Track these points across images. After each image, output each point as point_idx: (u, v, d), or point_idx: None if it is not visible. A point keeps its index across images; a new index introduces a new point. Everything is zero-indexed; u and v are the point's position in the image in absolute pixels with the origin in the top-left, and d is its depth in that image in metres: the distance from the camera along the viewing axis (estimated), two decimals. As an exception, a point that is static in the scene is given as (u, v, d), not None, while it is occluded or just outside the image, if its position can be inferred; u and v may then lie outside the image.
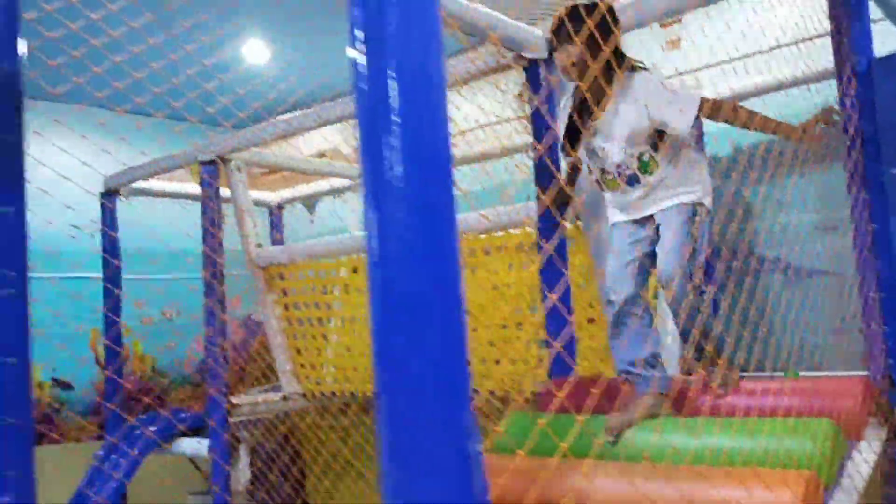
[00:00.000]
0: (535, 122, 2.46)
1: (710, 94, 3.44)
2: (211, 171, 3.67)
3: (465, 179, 4.22)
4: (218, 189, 3.68)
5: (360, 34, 0.86)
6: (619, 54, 2.10)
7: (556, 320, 2.44)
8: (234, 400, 3.68)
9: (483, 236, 3.03)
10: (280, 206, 5.01)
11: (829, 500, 1.69)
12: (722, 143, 3.60)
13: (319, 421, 4.67)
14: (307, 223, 5.71)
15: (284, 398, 3.87)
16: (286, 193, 4.96)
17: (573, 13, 2.03)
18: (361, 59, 0.86)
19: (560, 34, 2.09)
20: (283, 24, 4.28)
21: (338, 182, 4.87)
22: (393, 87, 0.85)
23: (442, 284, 0.83)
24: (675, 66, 3.64)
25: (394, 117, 0.84)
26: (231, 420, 3.63)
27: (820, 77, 2.99)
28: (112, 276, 4.09)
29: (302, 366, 3.93)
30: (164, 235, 4.34)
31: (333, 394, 3.88)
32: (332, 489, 4.68)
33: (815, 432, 1.70)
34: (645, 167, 2.14)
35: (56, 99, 3.95)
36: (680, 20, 3.90)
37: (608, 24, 1.98)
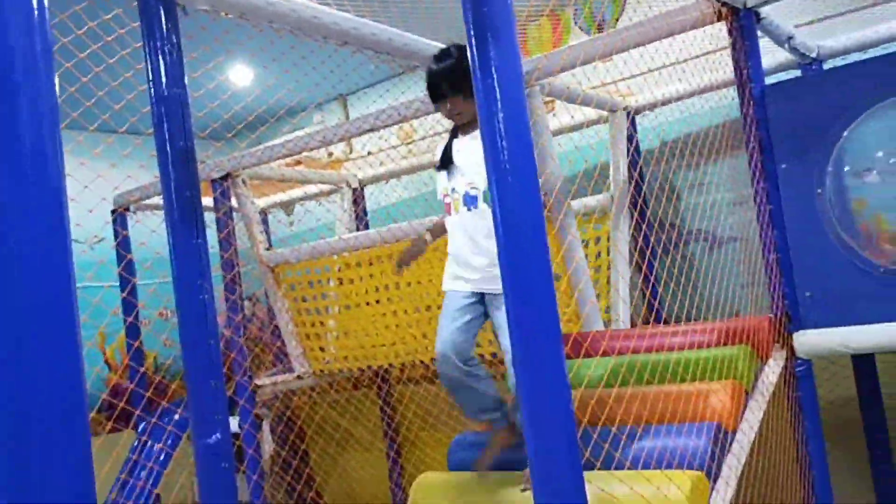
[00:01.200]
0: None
1: (644, 99, 4.20)
2: (223, 186, 4.22)
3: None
4: (230, 201, 4.25)
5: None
6: None
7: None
8: (258, 381, 4.28)
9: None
10: (265, 211, 5.57)
11: (750, 399, 2.45)
12: (651, 137, 4.38)
13: (316, 398, 5.30)
14: (285, 225, 6.29)
15: (299, 377, 4.48)
16: (271, 199, 5.52)
17: (435, 76, 2.31)
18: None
19: (433, 98, 2.36)
20: (265, 51, 4.82)
21: (314, 188, 5.46)
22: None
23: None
24: (611, 77, 4.39)
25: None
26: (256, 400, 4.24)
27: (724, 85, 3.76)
28: (128, 286, 4.60)
29: (311, 349, 4.54)
30: (154, 244, 4.86)
31: (341, 371, 4.53)
32: (334, 456, 5.34)
33: (738, 354, 2.47)
34: (488, 196, 2.28)
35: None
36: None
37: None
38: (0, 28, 0.81)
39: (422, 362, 4.27)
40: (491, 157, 1.50)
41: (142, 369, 4.55)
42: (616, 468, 2.10)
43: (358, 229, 5.05)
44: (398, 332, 4.25)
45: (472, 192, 2.29)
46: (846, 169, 2.60)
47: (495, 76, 1.48)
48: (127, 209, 4.70)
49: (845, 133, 2.59)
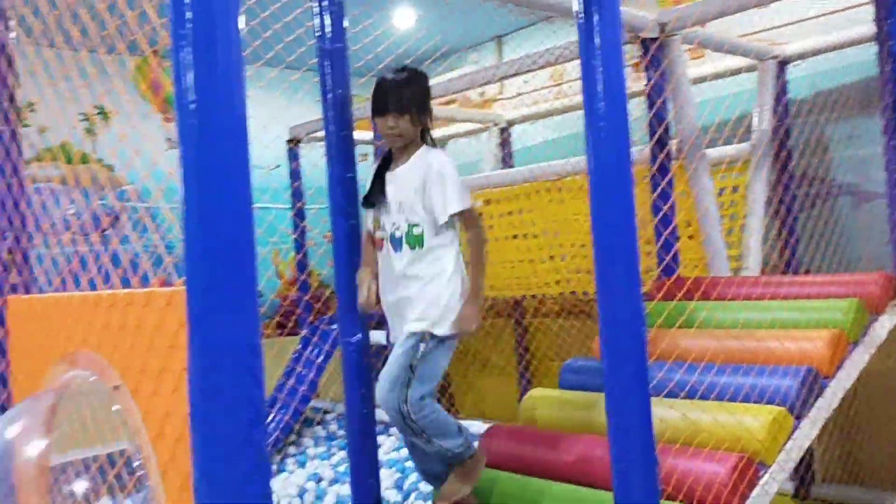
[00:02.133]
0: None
1: (796, 48, 4.11)
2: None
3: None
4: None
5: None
6: (426, 131, 2.27)
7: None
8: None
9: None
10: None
11: (853, 350, 2.54)
12: (804, 85, 4.28)
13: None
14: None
15: (440, 301, 4.91)
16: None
17: (387, 86, 2.20)
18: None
19: (377, 109, 2.21)
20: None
21: (467, 126, 5.76)
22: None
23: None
24: (763, 24, 4.31)
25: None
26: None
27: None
28: (299, 210, 5.21)
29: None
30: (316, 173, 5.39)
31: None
32: (470, 375, 5.81)
33: (845, 307, 2.56)
34: (412, 239, 2.16)
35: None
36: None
37: (423, 96, 2.23)
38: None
39: (552, 297, 4.55)
40: (589, 116, 1.74)
41: (303, 276, 5.16)
42: (704, 399, 2.32)
43: (503, 167, 5.32)
44: (532, 267, 4.54)
45: (398, 234, 2.18)
46: (982, 130, 2.54)
47: (597, 41, 1.70)
48: (298, 141, 5.26)
49: None
